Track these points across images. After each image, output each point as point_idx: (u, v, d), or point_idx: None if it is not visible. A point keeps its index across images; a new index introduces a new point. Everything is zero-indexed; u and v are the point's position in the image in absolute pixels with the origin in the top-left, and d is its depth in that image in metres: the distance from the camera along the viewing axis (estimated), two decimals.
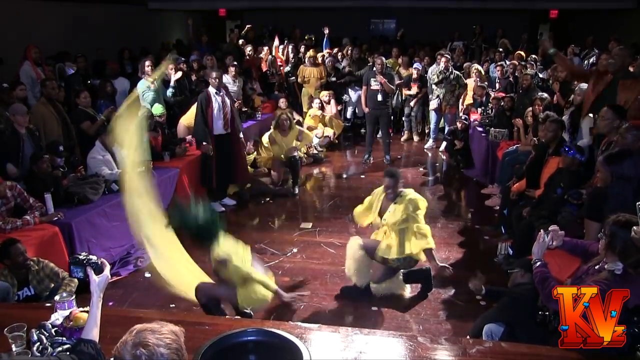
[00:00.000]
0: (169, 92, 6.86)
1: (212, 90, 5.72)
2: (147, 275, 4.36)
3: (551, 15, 11.43)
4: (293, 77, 9.43)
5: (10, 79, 6.57)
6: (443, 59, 8.19)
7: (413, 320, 3.84)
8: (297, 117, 8.27)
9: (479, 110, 7.64)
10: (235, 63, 8.05)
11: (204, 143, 5.75)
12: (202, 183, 5.97)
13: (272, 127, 6.92)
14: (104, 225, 4.62)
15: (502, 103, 6.94)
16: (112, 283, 3.97)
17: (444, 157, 8.22)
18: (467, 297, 3.99)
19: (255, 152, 7.46)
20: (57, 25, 9.25)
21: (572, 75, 5.51)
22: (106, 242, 4.63)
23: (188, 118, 6.44)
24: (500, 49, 9.58)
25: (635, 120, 3.73)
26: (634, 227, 2.34)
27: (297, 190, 6.63)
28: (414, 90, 8.82)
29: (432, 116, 8.77)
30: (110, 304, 3.84)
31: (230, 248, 3.25)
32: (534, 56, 8.73)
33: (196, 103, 5.85)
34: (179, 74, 6.96)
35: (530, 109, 5.92)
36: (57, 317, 2.48)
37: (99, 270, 2.16)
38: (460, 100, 8.36)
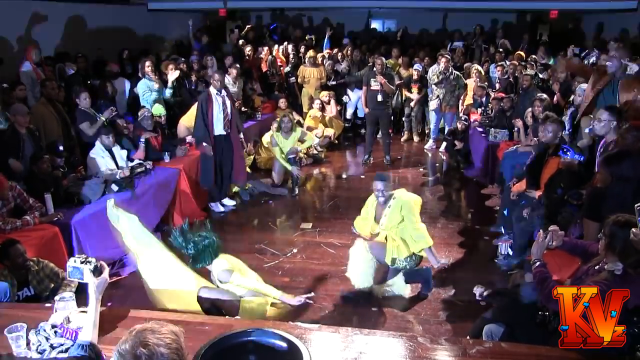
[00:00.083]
0: (168, 92, 6.85)
1: (213, 90, 5.70)
2: None
3: (551, 16, 11.42)
4: (293, 78, 9.42)
5: (10, 79, 6.57)
6: (443, 60, 8.19)
7: (413, 321, 3.84)
8: (297, 117, 8.28)
9: (479, 110, 7.64)
10: (238, 65, 8.04)
11: (204, 143, 5.74)
12: (202, 183, 5.97)
13: (274, 129, 6.91)
14: (104, 225, 4.58)
15: (502, 103, 6.95)
16: (112, 283, 3.96)
17: (444, 158, 8.22)
18: (467, 297, 3.98)
19: (255, 153, 7.47)
20: (57, 25, 9.24)
21: (571, 69, 5.50)
22: (106, 242, 4.60)
23: (188, 118, 6.43)
24: (501, 49, 9.58)
25: (635, 121, 3.72)
26: (633, 229, 2.34)
27: (297, 191, 6.64)
28: (415, 93, 8.83)
29: (432, 116, 8.77)
30: (110, 304, 3.83)
31: (230, 265, 3.21)
32: (533, 56, 8.73)
33: (196, 103, 5.84)
34: (177, 73, 6.94)
35: (530, 109, 5.92)
36: (57, 318, 2.48)
37: (97, 272, 2.16)
38: (460, 101, 8.37)
